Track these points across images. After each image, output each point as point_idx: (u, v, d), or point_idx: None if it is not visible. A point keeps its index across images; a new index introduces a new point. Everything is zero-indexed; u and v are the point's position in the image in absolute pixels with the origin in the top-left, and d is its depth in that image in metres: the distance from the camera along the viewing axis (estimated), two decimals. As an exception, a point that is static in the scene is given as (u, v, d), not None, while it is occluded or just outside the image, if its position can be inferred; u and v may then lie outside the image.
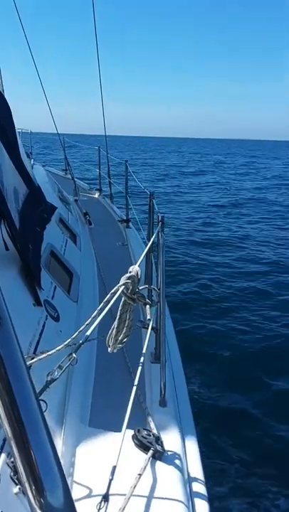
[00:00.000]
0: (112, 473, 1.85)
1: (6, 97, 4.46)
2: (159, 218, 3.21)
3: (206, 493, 2.17)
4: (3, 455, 1.59)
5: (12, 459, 0.85)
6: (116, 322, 2.36)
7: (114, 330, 2.37)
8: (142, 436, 2.23)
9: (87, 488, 1.93)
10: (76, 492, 1.90)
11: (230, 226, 16.80)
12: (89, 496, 1.90)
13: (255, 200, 23.92)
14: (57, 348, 2.22)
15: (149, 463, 2.08)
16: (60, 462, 0.86)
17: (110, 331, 2.37)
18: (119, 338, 2.38)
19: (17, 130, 4.43)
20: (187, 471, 2.24)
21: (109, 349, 2.41)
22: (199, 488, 2.18)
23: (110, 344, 2.40)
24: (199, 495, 2.14)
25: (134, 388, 2.43)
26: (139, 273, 2.38)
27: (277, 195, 26.69)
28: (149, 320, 2.41)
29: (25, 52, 7.51)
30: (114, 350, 2.42)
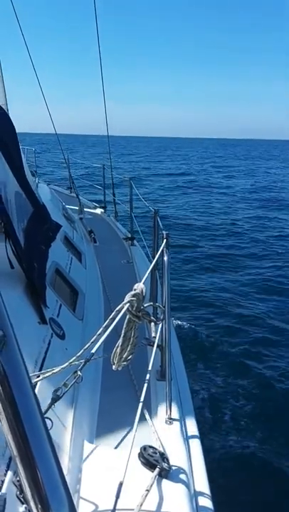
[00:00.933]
0: (119, 491, 1.84)
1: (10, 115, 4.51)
2: (164, 235, 3.22)
3: (212, 510, 2.15)
4: (10, 473, 1.58)
5: (18, 478, 0.85)
6: (120, 340, 2.36)
7: (119, 348, 2.37)
8: (148, 454, 2.22)
9: (94, 505, 1.92)
10: (82, 510, 1.89)
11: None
12: None
13: None
14: (62, 366, 2.22)
15: (156, 481, 2.06)
16: (65, 481, 0.86)
17: (115, 349, 2.37)
18: (124, 356, 2.38)
19: (21, 148, 4.46)
20: (194, 488, 2.22)
21: (113, 367, 2.41)
22: (206, 504, 2.16)
23: (115, 362, 2.40)
24: (206, 511, 2.12)
25: (140, 405, 2.42)
26: (144, 290, 2.38)
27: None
28: (154, 337, 2.41)
29: (24, 54, 7.48)
30: (119, 368, 2.42)
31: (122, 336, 2.37)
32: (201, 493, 2.23)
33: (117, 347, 2.38)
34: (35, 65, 7.44)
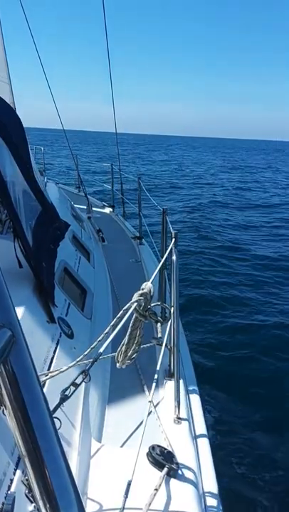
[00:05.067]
0: (127, 490, 1.84)
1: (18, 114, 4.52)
2: (173, 234, 3.21)
3: (221, 509, 2.15)
4: (19, 472, 1.59)
5: (27, 477, 0.86)
6: (126, 338, 2.37)
7: (124, 346, 2.38)
8: (157, 453, 2.22)
9: (102, 505, 1.92)
10: (91, 509, 1.89)
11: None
12: None
13: None
14: (69, 365, 2.23)
15: (164, 480, 2.06)
16: (74, 480, 0.87)
17: (120, 347, 2.38)
18: (129, 354, 2.39)
19: (30, 147, 4.47)
20: (202, 488, 2.22)
21: (117, 365, 2.42)
22: (214, 503, 2.16)
23: (119, 360, 2.41)
24: (214, 511, 2.12)
25: (149, 405, 2.42)
26: (151, 290, 2.39)
27: None
28: (161, 337, 2.41)
29: (32, 51, 7.51)
30: (123, 366, 2.43)
31: (127, 334, 2.38)
32: (210, 493, 2.23)
33: (122, 345, 2.39)
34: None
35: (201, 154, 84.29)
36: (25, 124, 4.32)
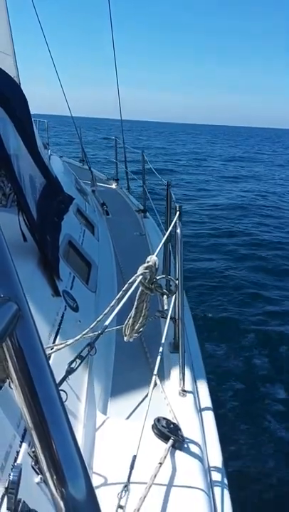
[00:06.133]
0: (133, 462, 1.85)
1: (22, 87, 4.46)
2: (177, 208, 3.19)
3: (226, 482, 2.17)
4: (25, 444, 1.60)
5: (33, 449, 0.86)
6: (133, 311, 2.36)
7: (131, 319, 2.38)
8: (162, 425, 2.23)
9: (108, 477, 1.94)
10: (96, 481, 1.91)
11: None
12: (109, 485, 1.90)
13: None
14: (75, 338, 2.23)
15: (169, 452, 2.08)
16: (80, 452, 0.87)
17: (127, 320, 2.38)
18: (136, 328, 2.39)
19: (33, 120, 4.42)
20: (207, 460, 2.24)
21: (125, 338, 2.43)
22: (219, 477, 2.18)
23: (127, 333, 2.41)
24: (219, 483, 2.14)
25: (154, 377, 2.43)
26: (156, 263, 2.37)
27: None
28: (167, 310, 2.41)
29: (39, 36, 7.49)
30: (131, 339, 2.43)
31: (134, 307, 2.37)
32: (215, 465, 2.25)
33: (129, 318, 2.39)
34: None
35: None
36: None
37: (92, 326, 2.23)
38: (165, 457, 2.01)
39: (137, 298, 2.34)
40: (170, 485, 1.94)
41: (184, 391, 2.67)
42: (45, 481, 0.86)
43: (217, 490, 2.10)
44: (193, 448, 2.20)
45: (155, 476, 1.85)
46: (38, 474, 1.43)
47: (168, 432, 2.20)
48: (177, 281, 2.84)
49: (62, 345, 2.27)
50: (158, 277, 2.42)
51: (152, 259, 2.38)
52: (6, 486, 0.84)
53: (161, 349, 2.73)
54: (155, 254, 2.49)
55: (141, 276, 2.29)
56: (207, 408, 2.69)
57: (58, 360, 2.22)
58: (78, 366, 2.01)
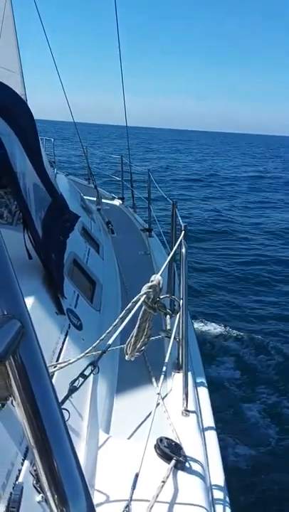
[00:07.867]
0: (134, 482, 1.84)
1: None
2: (182, 227, 3.20)
3: (228, 501, 2.15)
4: (27, 463, 1.60)
5: (35, 467, 0.86)
6: (135, 330, 2.36)
7: (133, 338, 2.38)
8: (164, 445, 2.22)
9: (110, 496, 1.93)
10: (98, 500, 1.90)
11: None
12: (111, 503, 1.89)
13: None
14: (78, 357, 2.24)
15: (171, 472, 2.06)
16: (82, 471, 0.87)
17: (129, 339, 2.38)
18: (138, 347, 2.39)
19: (40, 138, 4.46)
20: (209, 480, 2.22)
21: (126, 357, 2.42)
22: (222, 496, 2.16)
23: (128, 352, 2.41)
24: (221, 503, 2.12)
25: (157, 397, 2.42)
26: (160, 282, 2.38)
27: None
28: (171, 329, 2.41)
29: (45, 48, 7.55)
30: (132, 358, 2.43)
31: (136, 326, 2.38)
32: (217, 486, 2.23)
33: (131, 337, 2.39)
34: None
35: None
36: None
37: (95, 344, 2.23)
38: (167, 477, 2.00)
39: (139, 317, 2.35)
40: (172, 505, 1.93)
41: (187, 411, 2.66)
42: (46, 500, 0.86)
43: (219, 509, 2.08)
44: (195, 468, 2.18)
45: (157, 496, 1.84)
46: (39, 493, 1.42)
47: (170, 452, 2.18)
48: (181, 301, 2.84)
49: (65, 364, 2.28)
50: (161, 297, 2.42)
51: (156, 278, 2.39)
52: (7, 504, 0.84)
53: (164, 368, 2.72)
54: (159, 273, 2.49)
55: (144, 296, 2.30)
56: (210, 428, 2.67)
57: (61, 378, 2.22)
58: (81, 385, 2.01)
